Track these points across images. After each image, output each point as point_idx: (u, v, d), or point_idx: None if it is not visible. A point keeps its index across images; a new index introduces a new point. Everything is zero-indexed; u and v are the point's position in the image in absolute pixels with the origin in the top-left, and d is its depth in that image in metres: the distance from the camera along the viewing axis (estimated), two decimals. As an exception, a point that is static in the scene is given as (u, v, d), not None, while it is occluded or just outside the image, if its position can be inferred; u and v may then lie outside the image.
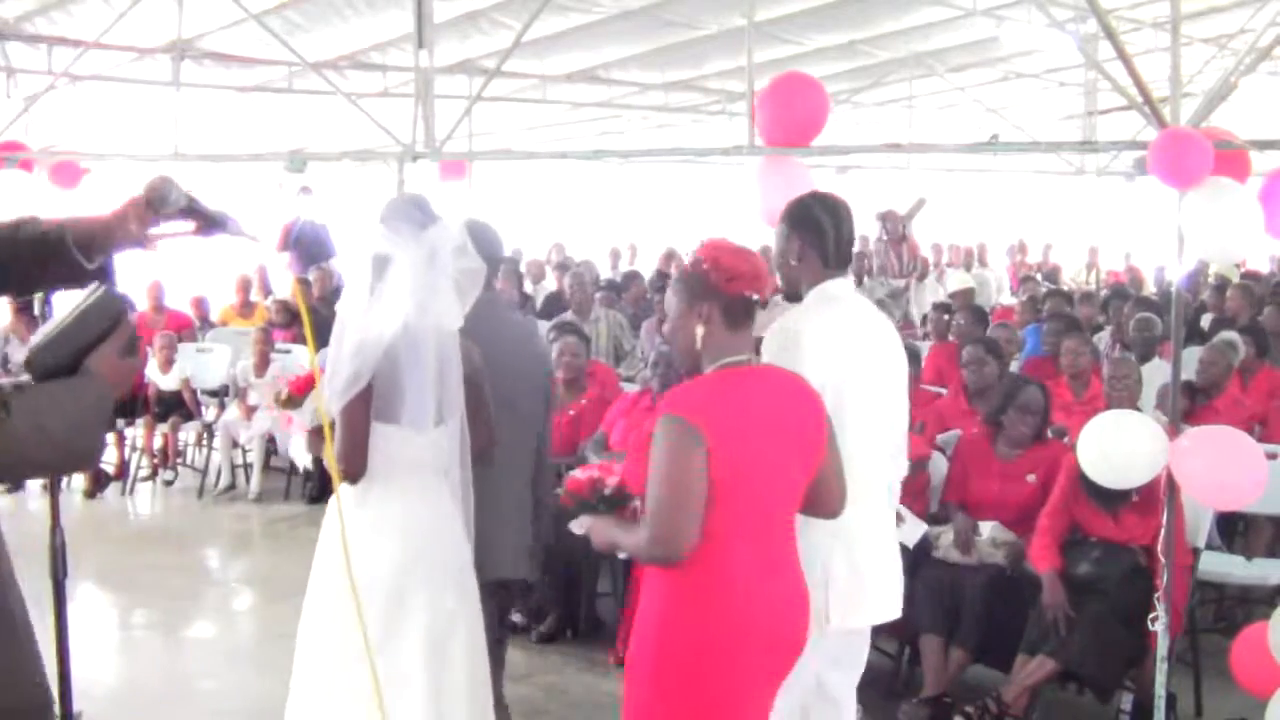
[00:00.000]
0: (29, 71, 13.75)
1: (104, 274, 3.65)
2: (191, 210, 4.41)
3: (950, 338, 11.59)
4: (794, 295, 5.13)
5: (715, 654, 4.17)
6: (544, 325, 13.39)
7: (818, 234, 5.03)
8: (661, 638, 4.25)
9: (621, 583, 8.07)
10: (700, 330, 4.30)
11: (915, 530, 7.39)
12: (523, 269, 19.54)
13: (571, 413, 9.11)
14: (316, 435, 5.13)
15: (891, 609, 5.10)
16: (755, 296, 4.31)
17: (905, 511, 7.26)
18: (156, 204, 4.34)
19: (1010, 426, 7.66)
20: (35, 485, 13.06)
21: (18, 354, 13.16)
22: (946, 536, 7.34)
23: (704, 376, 4.34)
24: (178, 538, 11.60)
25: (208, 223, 4.41)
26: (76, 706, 4.60)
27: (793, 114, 6.79)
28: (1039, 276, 20.95)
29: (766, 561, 4.24)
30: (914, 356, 9.41)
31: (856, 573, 4.87)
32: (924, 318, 15.19)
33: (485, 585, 5.40)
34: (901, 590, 5.14)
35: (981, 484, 7.61)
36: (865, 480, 4.78)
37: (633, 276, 17.32)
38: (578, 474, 4.56)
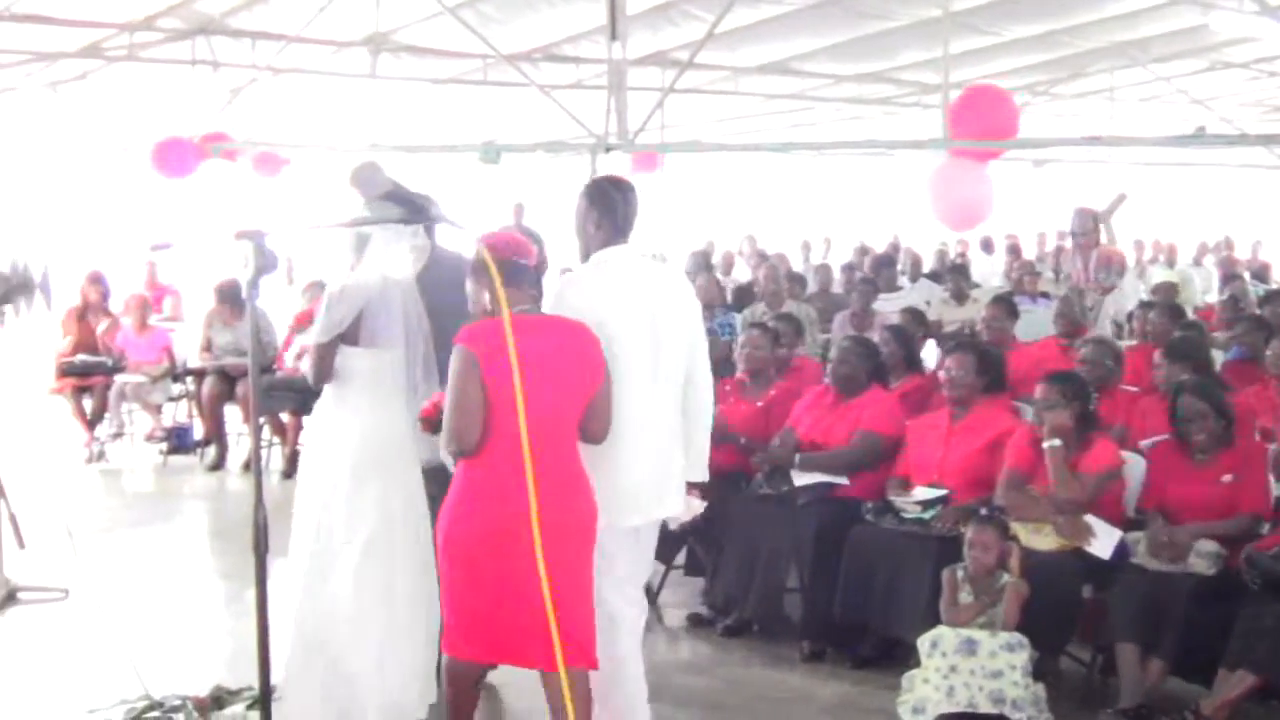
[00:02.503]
0: (233, 65, 14.03)
1: None
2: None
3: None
4: (587, 258, 6.23)
5: (497, 533, 5.49)
6: (736, 317, 13.35)
7: (611, 209, 6.08)
8: (455, 516, 5.61)
9: (809, 578, 8.00)
10: (488, 294, 5.65)
11: (1109, 539, 7.22)
12: (715, 260, 19.49)
13: (760, 404, 9.04)
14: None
15: (662, 511, 6.21)
16: (524, 261, 5.76)
17: (1097, 522, 7.10)
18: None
19: (1187, 437, 7.48)
20: (235, 465, 13.36)
21: (220, 337, 13.46)
22: (1145, 543, 7.16)
23: (495, 319, 5.54)
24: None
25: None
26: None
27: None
28: (1247, 275, 20.38)
29: (547, 461, 5.44)
30: (1117, 358, 9.17)
31: (635, 483, 5.96)
32: (1129, 315, 14.82)
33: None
34: (677, 495, 6.21)
35: (1178, 489, 7.40)
36: (637, 406, 5.93)
37: (823, 270, 17.24)
38: (424, 404, 6.11)
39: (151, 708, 6.08)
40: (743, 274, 19.04)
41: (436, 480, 6.44)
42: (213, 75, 14.29)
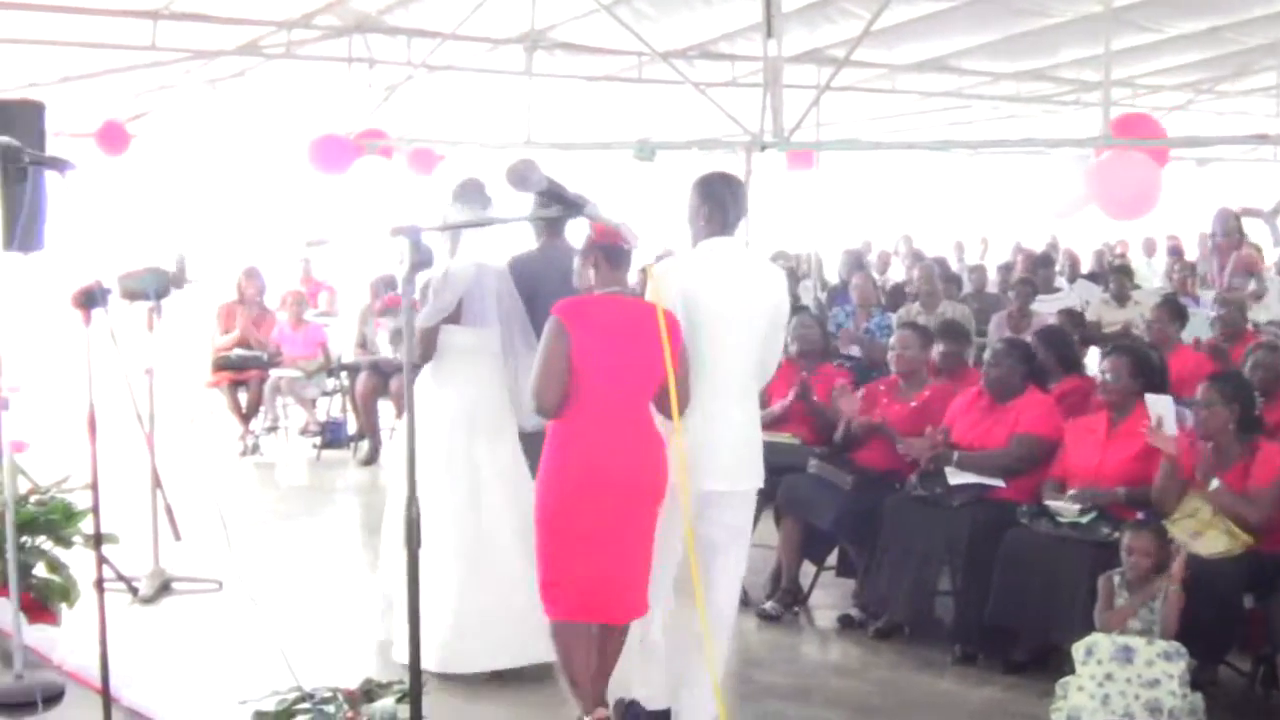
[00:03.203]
0: (389, 62, 14.14)
1: None
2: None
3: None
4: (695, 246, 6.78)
5: (573, 485, 6.23)
6: (891, 317, 13.23)
7: (721, 205, 6.64)
8: (544, 469, 6.37)
9: (961, 580, 7.91)
10: (592, 271, 6.43)
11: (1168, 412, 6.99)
12: (871, 259, 19.33)
13: (914, 404, 8.94)
14: (396, 335, 8.36)
15: (739, 482, 6.61)
16: (626, 246, 6.33)
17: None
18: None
19: None
20: (388, 460, 13.47)
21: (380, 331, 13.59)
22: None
23: (587, 295, 6.46)
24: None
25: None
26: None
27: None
28: None
29: (621, 427, 6.25)
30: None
31: (711, 450, 6.41)
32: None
33: None
34: (753, 469, 6.66)
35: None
36: (720, 382, 6.50)
37: (978, 270, 17.05)
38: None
39: (302, 699, 6.10)
40: (899, 274, 18.87)
41: (536, 445, 6.95)
42: (368, 72, 14.42)
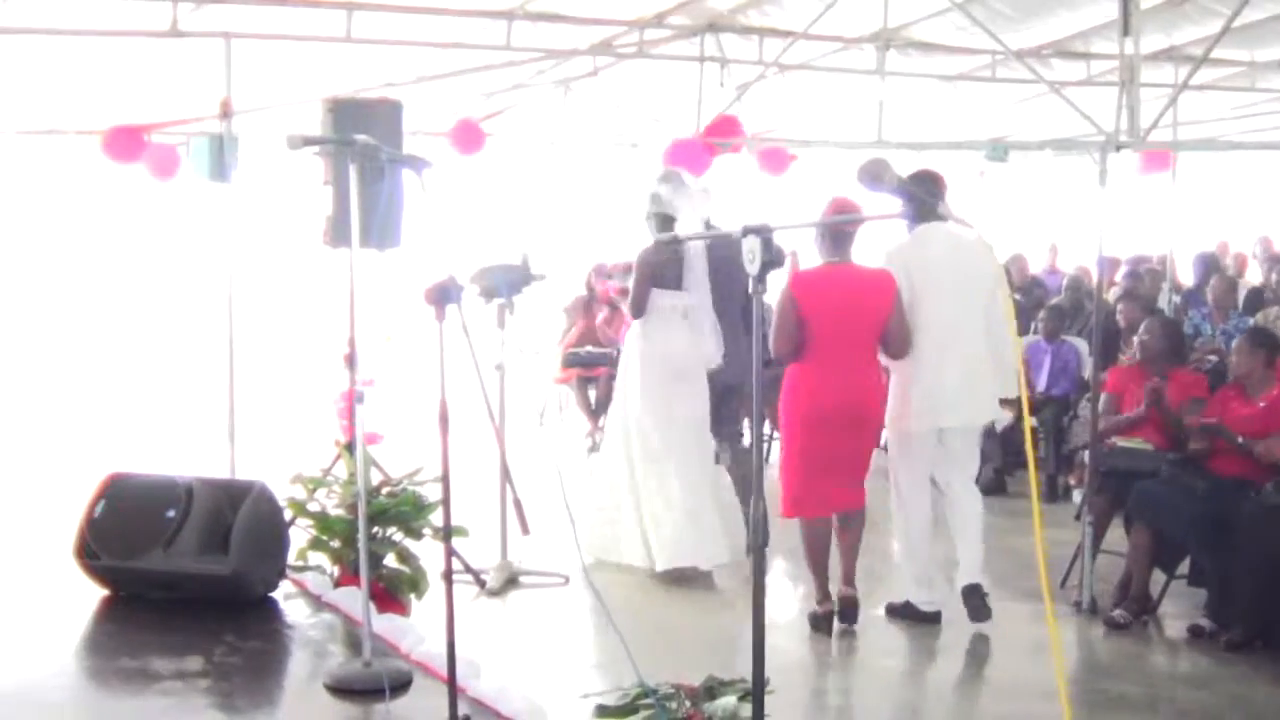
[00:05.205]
0: (741, 61, 14.19)
1: None
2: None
3: None
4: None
5: (803, 411, 8.14)
6: (1249, 321, 12.80)
7: (913, 197, 7.97)
8: (784, 401, 8.25)
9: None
10: (821, 245, 8.21)
11: None
12: (1227, 262, 18.74)
13: (1262, 404, 8.70)
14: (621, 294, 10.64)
15: (964, 420, 8.42)
16: (850, 231, 8.11)
17: None
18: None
19: None
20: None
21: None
22: None
23: (816, 267, 8.41)
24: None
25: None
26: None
27: None
28: None
29: (843, 367, 8.05)
30: None
31: (927, 397, 8.25)
32: None
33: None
34: (974, 407, 8.37)
35: None
36: (941, 336, 8.21)
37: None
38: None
39: (644, 695, 6.16)
40: (1255, 277, 18.23)
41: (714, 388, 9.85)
42: (720, 72, 14.49)
